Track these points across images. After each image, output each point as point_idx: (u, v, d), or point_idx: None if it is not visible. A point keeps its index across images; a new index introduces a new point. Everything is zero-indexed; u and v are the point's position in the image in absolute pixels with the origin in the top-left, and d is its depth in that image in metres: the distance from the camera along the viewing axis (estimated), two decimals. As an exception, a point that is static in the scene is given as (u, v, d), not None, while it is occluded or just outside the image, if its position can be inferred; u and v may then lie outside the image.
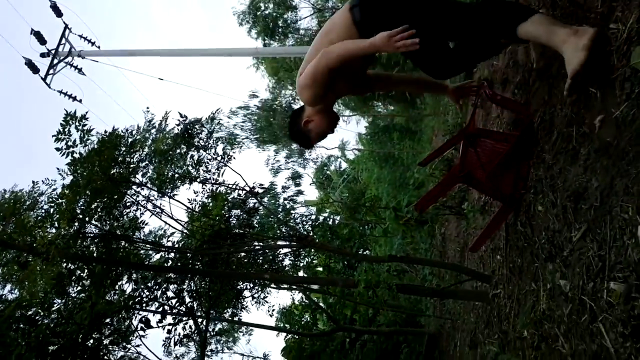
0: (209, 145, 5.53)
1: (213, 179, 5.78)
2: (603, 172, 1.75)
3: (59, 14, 12.83)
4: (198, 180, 5.79)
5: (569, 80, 1.89)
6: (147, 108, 5.67)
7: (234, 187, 5.90)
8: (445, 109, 7.29)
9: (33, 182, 5.69)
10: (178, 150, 5.54)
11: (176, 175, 5.63)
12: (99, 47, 13.43)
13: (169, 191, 5.65)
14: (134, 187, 5.40)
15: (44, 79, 12.91)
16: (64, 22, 12.94)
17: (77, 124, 4.91)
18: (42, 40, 12.82)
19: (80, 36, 13.24)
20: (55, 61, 13.06)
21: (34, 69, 12.82)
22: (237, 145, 6.29)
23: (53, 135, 4.86)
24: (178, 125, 5.33)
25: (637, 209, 1.51)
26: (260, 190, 6.10)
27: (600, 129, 1.80)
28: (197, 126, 5.37)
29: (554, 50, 1.94)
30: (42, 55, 12.96)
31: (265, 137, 20.12)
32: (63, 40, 13.03)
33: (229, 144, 5.75)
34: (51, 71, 13.05)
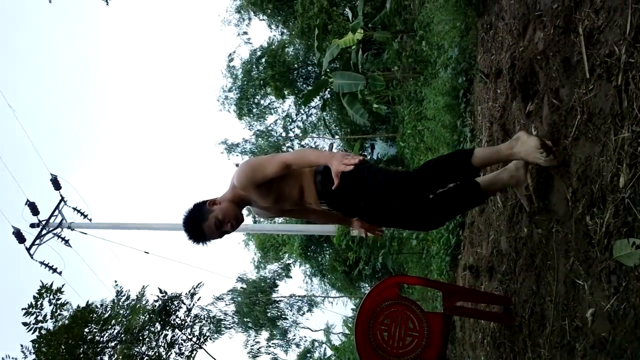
0: (186, 324, 5.26)
1: (185, 364, 5.36)
2: (603, 371, 1.63)
3: (57, 187, 13.27)
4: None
5: (542, 158, 2.11)
6: (116, 282, 5.63)
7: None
8: (434, 295, 7.21)
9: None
10: (152, 328, 5.24)
11: (145, 358, 5.22)
12: (90, 219, 13.61)
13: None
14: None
15: (28, 249, 12.78)
16: (61, 195, 13.31)
17: (51, 297, 4.72)
18: (35, 211, 13.01)
19: (74, 209, 13.48)
20: (44, 232, 13.08)
21: (21, 239, 12.75)
22: (224, 331, 6.05)
23: (23, 309, 4.63)
24: (156, 301, 5.14)
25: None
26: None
27: (593, 323, 1.74)
28: (176, 302, 5.17)
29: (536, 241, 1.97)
30: (32, 225, 13.04)
31: (249, 322, 19.39)
32: (56, 212, 13.25)
33: (216, 332, 5.53)
34: (37, 241, 12.99)
